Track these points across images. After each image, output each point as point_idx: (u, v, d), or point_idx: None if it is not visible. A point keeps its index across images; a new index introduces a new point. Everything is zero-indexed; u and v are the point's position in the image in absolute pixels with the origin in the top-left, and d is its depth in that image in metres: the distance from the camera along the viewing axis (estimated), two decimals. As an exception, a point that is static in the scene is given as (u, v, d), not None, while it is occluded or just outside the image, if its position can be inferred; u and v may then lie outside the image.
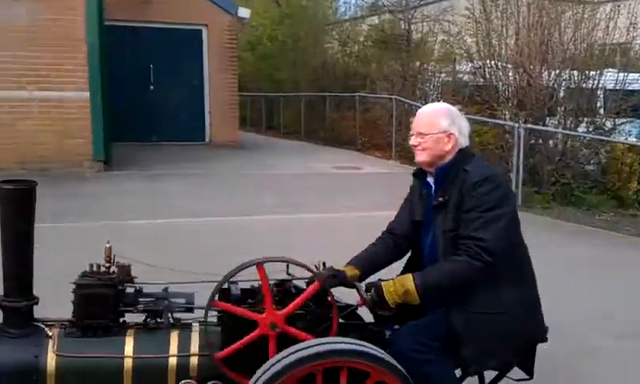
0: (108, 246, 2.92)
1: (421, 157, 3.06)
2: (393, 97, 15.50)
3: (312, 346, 2.57)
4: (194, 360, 2.81)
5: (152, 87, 15.60)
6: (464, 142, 3.05)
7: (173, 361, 2.80)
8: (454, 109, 3.15)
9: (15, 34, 10.81)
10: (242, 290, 2.93)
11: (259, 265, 2.75)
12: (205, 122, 16.17)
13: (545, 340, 3.11)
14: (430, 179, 3.08)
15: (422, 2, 18.80)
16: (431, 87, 16.54)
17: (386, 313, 2.93)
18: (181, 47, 15.68)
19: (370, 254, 3.22)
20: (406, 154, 14.61)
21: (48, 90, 11.17)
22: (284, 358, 2.53)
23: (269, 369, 2.52)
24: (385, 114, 16.38)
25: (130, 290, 2.92)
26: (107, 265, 2.88)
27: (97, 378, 2.78)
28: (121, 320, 2.92)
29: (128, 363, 2.77)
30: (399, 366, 2.63)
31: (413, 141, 3.09)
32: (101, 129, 11.49)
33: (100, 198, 9.68)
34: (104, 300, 2.82)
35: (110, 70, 12.28)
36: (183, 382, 2.79)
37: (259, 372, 2.54)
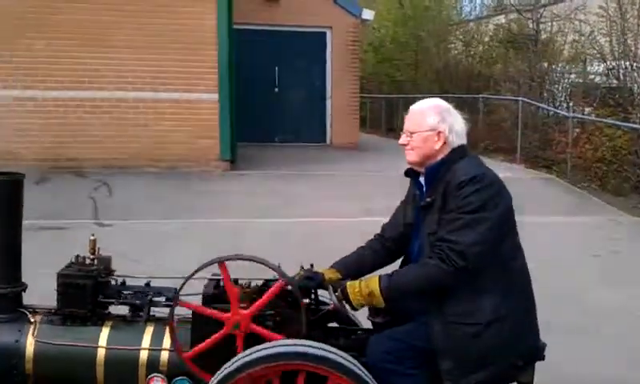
0: (92, 238, 2.99)
1: (410, 156, 2.89)
2: (519, 99, 15.03)
3: (266, 347, 2.52)
4: (164, 355, 2.80)
5: (277, 89, 15.99)
6: (456, 140, 2.84)
7: (144, 354, 2.80)
8: (445, 105, 2.92)
9: (149, 37, 11.41)
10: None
11: (222, 263, 2.68)
12: (326, 123, 16.38)
13: (541, 358, 2.87)
14: (422, 179, 2.90)
15: (551, 1, 18.11)
16: (559, 89, 15.93)
17: (378, 319, 2.84)
18: (305, 49, 15.97)
19: (356, 257, 3.08)
20: (532, 159, 14.15)
21: (180, 92, 11.70)
22: (239, 359, 2.50)
23: (223, 370, 2.50)
24: (510, 116, 15.93)
25: (115, 282, 2.97)
26: (92, 257, 2.94)
27: (71, 365, 2.83)
28: (106, 311, 2.96)
29: (100, 353, 2.81)
30: (358, 371, 2.49)
31: (402, 139, 2.91)
32: (228, 129, 11.90)
33: (225, 197, 10.03)
34: (83, 290, 2.85)
35: (238, 71, 12.70)
36: (151, 375, 2.78)
37: (218, 372, 2.52)
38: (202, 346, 2.70)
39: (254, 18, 14.88)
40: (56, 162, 11.08)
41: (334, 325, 3.04)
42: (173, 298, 2.77)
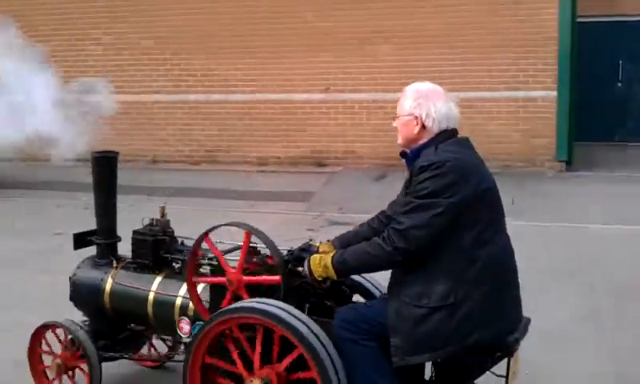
0: (162, 205, 3.79)
1: (398, 139, 3.04)
2: None
3: (238, 303, 3.07)
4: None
5: (620, 84, 14.71)
6: (433, 125, 2.91)
7: (178, 300, 3.50)
8: (425, 90, 2.98)
9: (488, 36, 11.18)
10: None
11: (247, 232, 3.15)
12: (679, 120, 14.59)
13: (509, 353, 2.88)
14: None
15: None
16: None
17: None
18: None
19: (354, 233, 3.30)
20: None
21: (516, 90, 11.36)
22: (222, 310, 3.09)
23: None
24: None
25: (178, 242, 3.72)
26: (157, 219, 3.73)
27: (132, 302, 3.67)
28: (173, 264, 3.65)
29: (151, 296, 3.58)
30: (301, 328, 2.85)
31: (394, 122, 3.08)
32: (565, 129, 11.16)
33: (559, 199, 9.41)
34: (145, 245, 3.65)
35: (577, 67, 11.93)
36: (181, 317, 3.47)
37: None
38: (201, 279, 3.32)
39: (597, 10, 13.84)
40: (391, 161, 11.59)
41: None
42: (192, 247, 3.32)
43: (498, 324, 2.84)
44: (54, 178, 10.63)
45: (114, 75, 12.32)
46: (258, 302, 3.00)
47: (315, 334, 2.87)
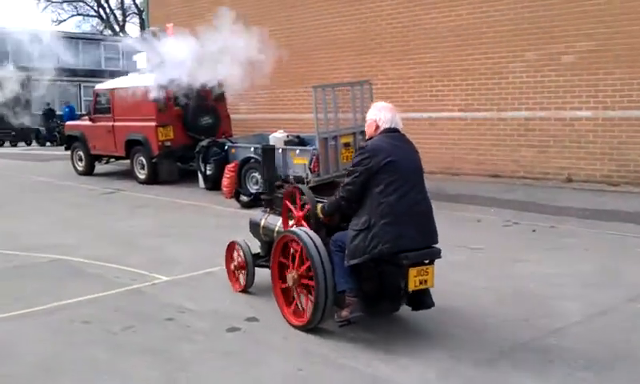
0: (279, 182, 6.35)
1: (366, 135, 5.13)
2: None
3: (289, 229, 5.45)
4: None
5: None
6: (383, 125, 4.95)
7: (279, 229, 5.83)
8: (380, 105, 5.09)
9: None
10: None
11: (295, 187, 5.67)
12: None
13: (402, 264, 4.64)
14: None
15: None
16: None
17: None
18: None
19: None
20: None
21: None
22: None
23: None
24: None
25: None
26: (279, 183, 6.29)
27: (269, 232, 6.06)
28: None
29: (276, 228, 5.91)
30: (308, 243, 4.99)
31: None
32: None
33: None
34: (278, 200, 5.96)
35: None
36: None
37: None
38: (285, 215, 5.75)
39: None
40: None
41: None
42: (283, 197, 5.75)
43: (395, 242, 4.63)
44: (468, 192, 11.20)
45: (535, 92, 12.31)
46: (296, 228, 5.28)
47: (316, 247, 4.96)
